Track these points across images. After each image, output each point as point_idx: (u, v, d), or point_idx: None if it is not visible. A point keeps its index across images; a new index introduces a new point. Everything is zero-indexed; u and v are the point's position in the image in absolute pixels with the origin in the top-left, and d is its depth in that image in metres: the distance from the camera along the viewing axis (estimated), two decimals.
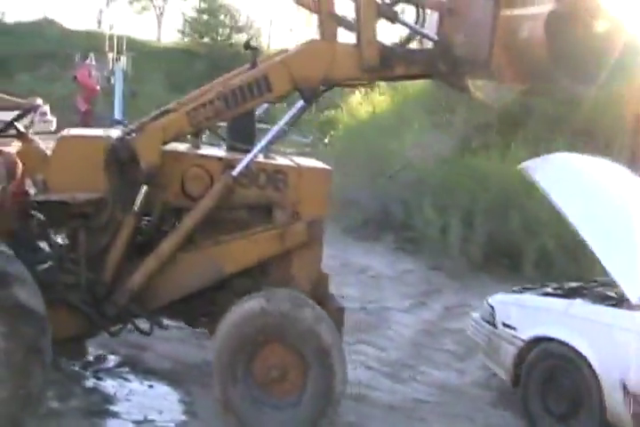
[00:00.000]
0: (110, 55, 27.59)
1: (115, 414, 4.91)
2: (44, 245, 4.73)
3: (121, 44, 28.20)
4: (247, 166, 4.60)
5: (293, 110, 4.77)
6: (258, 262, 4.70)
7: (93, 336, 4.98)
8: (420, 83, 14.45)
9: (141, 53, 29.70)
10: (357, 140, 12.87)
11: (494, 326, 5.63)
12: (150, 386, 5.44)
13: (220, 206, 4.58)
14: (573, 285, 5.65)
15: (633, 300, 4.65)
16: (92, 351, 5.73)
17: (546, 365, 5.14)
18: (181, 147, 4.83)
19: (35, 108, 5.31)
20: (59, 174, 4.58)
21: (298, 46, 4.78)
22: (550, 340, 5.10)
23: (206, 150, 4.91)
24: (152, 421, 4.78)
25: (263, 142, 4.68)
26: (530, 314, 5.44)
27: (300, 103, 4.76)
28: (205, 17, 35.95)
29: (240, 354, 4.34)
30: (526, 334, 5.27)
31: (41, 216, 4.63)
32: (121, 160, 4.51)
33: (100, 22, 33.08)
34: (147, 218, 4.72)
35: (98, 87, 25.60)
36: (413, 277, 9.25)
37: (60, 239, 4.77)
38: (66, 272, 4.54)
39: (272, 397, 4.39)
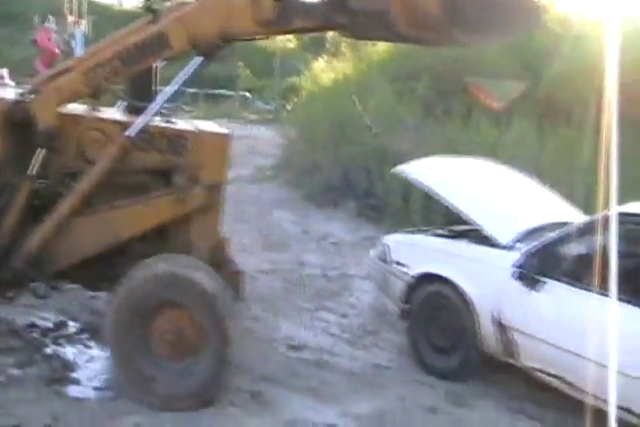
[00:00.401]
0: (70, 18, 27.06)
1: (75, 381, 4.88)
2: None
3: (81, 7, 27.65)
4: (144, 128, 4.57)
5: (189, 67, 4.71)
6: (156, 227, 4.71)
7: None
8: (383, 51, 14.46)
9: (102, 17, 29.13)
10: (320, 106, 12.82)
11: (388, 263, 6.04)
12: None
13: (119, 170, 4.57)
14: (461, 228, 6.03)
15: (503, 242, 5.31)
16: (52, 318, 5.70)
17: (430, 299, 5.60)
18: (79, 109, 4.78)
19: None
20: None
21: (195, 2, 4.75)
22: (435, 276, 5.56)
23: (105, 113, 4.87)
24: (112, 388, 4.77)
25: (159, 101, 4.65)
26: (418, 252, 5.89)
27: (196, 59, 4.70)
28: None
29: (136, 317, 4.36)
30: (414, 270, 5.73)
31: None
32: (17, 123, 4.45)
33: None
34: (45, 182, 4.63)
35: (58, 51, 25.13)
36: (374, 243, 9.29)
37: None
38: None
39: (168, 359, 4.42)
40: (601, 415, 4.27)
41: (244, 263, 7.95)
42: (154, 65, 4.92)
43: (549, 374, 4.90)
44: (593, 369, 4.44)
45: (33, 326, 5.59)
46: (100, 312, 5.89)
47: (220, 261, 4.88)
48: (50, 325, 5.64)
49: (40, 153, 4.45)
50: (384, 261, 6.12)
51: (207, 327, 4.36)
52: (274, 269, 7.68)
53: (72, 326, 5.74)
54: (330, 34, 28.66)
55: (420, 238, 6.08)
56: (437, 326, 5.58)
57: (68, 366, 5.09)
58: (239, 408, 4.68)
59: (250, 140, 17.47)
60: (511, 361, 5.18)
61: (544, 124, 9.14)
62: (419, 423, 4.81)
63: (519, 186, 6.36)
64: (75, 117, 4.64)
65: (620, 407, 4.29)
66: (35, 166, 4.45)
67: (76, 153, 4.59)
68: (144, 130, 4.59)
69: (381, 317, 6.79)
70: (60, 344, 5.41)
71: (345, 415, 4.77)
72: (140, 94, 5.05)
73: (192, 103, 26.60)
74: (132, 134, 4.54)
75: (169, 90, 4.69)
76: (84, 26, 26.74)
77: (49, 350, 5.28)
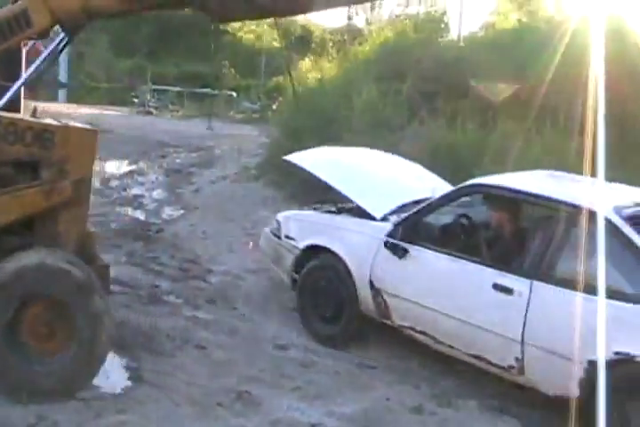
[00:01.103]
0: None
1: None
2: None
3: None
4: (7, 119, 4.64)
5: (52, 46, 4.71)
6: (22, 219, 4.73)
7: None
8: (369, 50, 14.48)
9: None
10: (305, 106, 12.81)
11: (279, 237, 6.53)
12: None
13: None
14: (347, 205, 6.51)
15: (378, 216, 5.91)
16: None
17: (315, 270, 6.12)
18: None
19: None
20: None
21: None
22: (319, 247, 6.09)
23: None
24: (98, 387, 4.75)
25: (20, 82, 4.75)
26: (305, 226, 6.43)
27: (59, 38, 4.72)
28: None
29: (7, 310, 4.37)
30: (302, 243, 6.25)
31: None
32: None
33: None
34: None
35: (39, 48, 24.94)
36: None
37: None
38: None
39: (36, 351, 4.45)
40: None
41: (230, 262, 8.03)
42: (22, 44, 4.99)
43: (417, 331, 5.46)
44: (448, 322, 5.15)
45: None
46: None
47: (87, 255, 4.94)
48: None
49: None
50: (275, 235, 6.60)
51: (79, 320, 4.41)
52: (260, 269, 7.66)
53: None
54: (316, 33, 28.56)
55: (308, 214, 6.68)
56: (322, 295, 6.06)
57: None
58: (226, 408, 4.69)
59: (235, 140, 17.49)
60: (386, 321, 5.68)
61: (530, 125, 9.15)
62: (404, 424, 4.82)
63: (400, 168, 7.00)
64: None
65: (473, 356, 5.09)
66: None
67: None
68: (9, 122, 4.64)
69: None
70: None
71: (330, 415, 4.77)
72: (8, 75, 5.08)
73: (177, 102, 26.58)
74: None
75: (30, 69, 4.75)
76: None
77: None
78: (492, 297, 4.95)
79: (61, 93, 27.14)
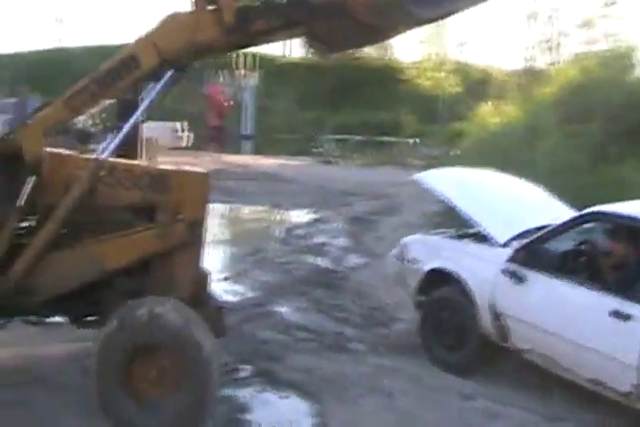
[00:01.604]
0: (239, 72, 28.21)
1: (246, 424, 4.93)
2: None
3: (249, 61, 28.80)
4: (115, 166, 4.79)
5: (160, 83, 4.75)
6: (138, 261, 4.79)
7: None
8: (551, 92, 14.13)
9: (270, 69, 30.21)
10: (489, 151, 12.63)
11: (404, 261, 6.76)
12: (282, 397, 5.44)
13: (102, 207, 4.78)
14: (471, 231, 6.57)
15: (500, 242, 6.01)
16: (226, 361, 5.80)
17: (439, 294, 6.27)
18: (66, 151, 5.01)
19: None
20: None
21: (160, 21, 4.81)
22: (442, 271, 6.26)
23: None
24: None
25: (131, 121, 4.79)
26: (429, 251, 6.61)
27: (168, 73, 4.76)
28: None
29: (120, 361, 4.43)
30: (426, 266, 6.45)
31: None
32: (5, 157, 4.68)
33: None
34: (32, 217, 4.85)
35: (227, 103, 26.18)
36: None
37: None
38: None
39: (150, 399, 4.47)
40: None
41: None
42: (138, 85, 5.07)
43: (535, 354, 5.53)
44: (566, 346, 5.22)
45: None
46: (273, 357, 5.97)
47: (201, 297, 5.02)
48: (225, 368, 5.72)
49: (29, 182, 4.64)
50: (401, 259, 6.81)
51: (185, 365, 4.42)
52: None
53: (245, 370, 5.81)
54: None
55: (431, 239, 6.89)
56: (444, 319, 6.19)
57: (240, 408, 5.15)
58: None
59: (415, 187, 17.45)
60: (505, 345, 5.79)
61: None
62: None
63: (524, 192, 7.02)
64: (63, 157, 4.87)
65: (591, 380, 5.11)
66: (23, 196, 4.64)
67: (61, 191, 4.71)
68: (126, 168, 4.85)
69: None
70: (232, 387, 5.46)
71: None
72: (127, 116, 5.16)
73: (357, 150, 27.02)
74: (103, 157, 4.70)
75: (142, 107, 4.84)
76: (255, 78, 27.77)
77: (221, 392, 5.36)
78: (610, 323, 4.97)
79: (245, 145, 28.30)
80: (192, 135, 24.28)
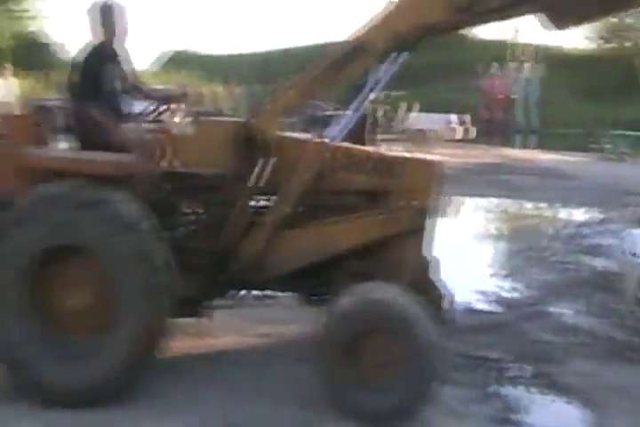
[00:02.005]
0: (518, 63, 27.69)
1: (516, 424, 4.88)
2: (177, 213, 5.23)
3: (527, 52, 28.11)
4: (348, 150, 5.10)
5: (390, 65, 4.91)
6: (366, 245, 5.00)
7: (208, 300, 5.38)
8: None
9: (553, 60, 29.26)
10: None
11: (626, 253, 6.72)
12: (562, 402, 5.32)
13: (333, 191, 5.05)
14: None
15: None
16: (494, 356, 5.81)
17: None
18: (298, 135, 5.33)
19: (178, 99, 5.98)
20: (193, 153, 5.09)
21: (393, 5, 4.95)
22: None
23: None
24: None
25: (358, 100, 4.99)
26: None
27: (393, 57, 4.89)
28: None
29: (344, 344, 4.53)
30: None
31: (171, 187, 5.13)
32: (243, 140, 4.99)
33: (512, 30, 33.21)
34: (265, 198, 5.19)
35: (503, 96, 25.78)
36: None
37: (189, 209, 5.26)
38: (190, 239, 5.09)
39: (371, 381, 4.56)
40: None
41: None
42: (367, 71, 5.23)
43: None
44: None
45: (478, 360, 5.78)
46: (554, 360, 5.84)
47: (423, 284, 5.10)
48: (492, 365, 5.74)
49: (263, 163, 4.95)
50: (624, 252, 6.85)
51: (410, 357, 4.49)
52: None
53: (522, 369, 5.74)
54: None
55: None
56: None
57: (508, 407, 5.09)
58: None
59: None
60: None
61: None
62: None
63: None
64: (299, 142, 5.18)
65: None
66: (256, 177, 4.97)
67: (293, 172, 4.97)
68: (352, 153, 5.06)
69: None
70: (502, 385, 5.44)
71: None
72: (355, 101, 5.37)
73: (634, 147, 25.42)
74: (331, 140, 4.99)
75: (368, 87, 5.04)
76: (536, 70, 27.08)
77: (490, 390, 5.35)
78: None
79: (524, 139, 27.63)
80: (473, 128, 24.19)
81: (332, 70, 4.98)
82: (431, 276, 5.38)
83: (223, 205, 5.10)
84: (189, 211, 5.27)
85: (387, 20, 4.91)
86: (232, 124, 5.16)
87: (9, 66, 20.97)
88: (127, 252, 4.58)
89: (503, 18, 5.20)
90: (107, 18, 5.50)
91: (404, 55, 5.05)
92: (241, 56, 43.35)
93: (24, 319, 4.74)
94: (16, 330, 4.73)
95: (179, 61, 39.15)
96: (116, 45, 5.64)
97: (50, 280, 4.79)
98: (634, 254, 6.55)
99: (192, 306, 5.35)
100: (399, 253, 5.04)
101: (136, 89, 5.81)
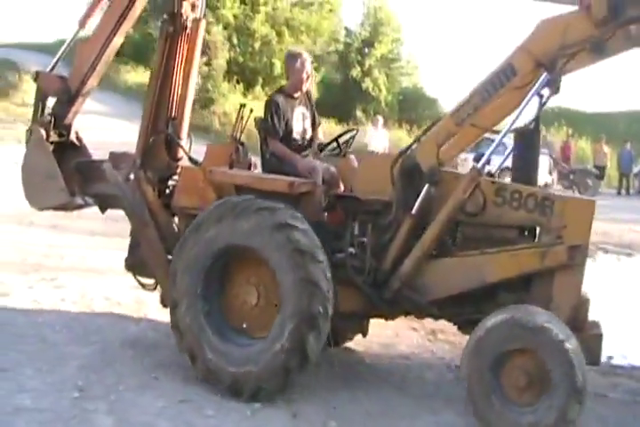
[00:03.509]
0: None
1: None
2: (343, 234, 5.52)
3: None
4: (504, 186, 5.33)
5: (534, 90, 4.95)
6: (518, 277, 5.18)
7: (372, 317, 5.89)
8: None
9: None
10: None
11: None
12: None
13: (490, 224, 5.28)
14: None
15: None
16: None
17: None
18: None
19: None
20: (362, 183, 5.61)
21: (534, 28, 5.05)
22: None
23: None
24: None
25: (504, 130, 5.08)
26: None
27: (540, 81, 4.94)
28: None
29: (489, 361, 4.76)
30: None
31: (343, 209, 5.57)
32: (406, 170, 5.31)
33: None
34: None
35: None
36: None
37: (355, 231, 5.51)
38: (355, 258, 5.39)
39: (518, 404, 4.75)
40: None
41: None
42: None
43: None
44: None
45: None
46: None
47: (579, 322, 5.13)
48: None
49: (426, 191, 5.22)
50: None
51: (555, 376, 4.61)
52: None
53: None
54: None
55: None
56: None
57: None
58: None
59: None
60: None
61: None
62: None
63: None
64: (456, 176, 5.35)
65: None
66: (419, 206, 5.21)
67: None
68: (515, 190, 5.26)
69: None
70: None
71: None
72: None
73: None
74: (479, 166, 5.11)
75: (513, 120, 5.08)
76: None
77: None
78: None
79: None
80: None
81: (483, 95, 5.15)
82: (587, 313, 5.36)
83: (386, 228, 5.40)
84: (358, 233, 5.53)
85: (525, 43, 5.06)
86: (397, 156, 5.45)
87: (380, 117, 22.32)
88: (296, 278, 5.05)
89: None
90: (288, 65, 6.17)
91: (553, 79, 5.01)
92: None
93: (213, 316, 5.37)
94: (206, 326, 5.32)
95: None
96: (293, 91, 6.10)
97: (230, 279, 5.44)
98: None
99: (359, 322, 6.00)
100: (555, 289, 5.13)
101: (309, 141, 6.21)
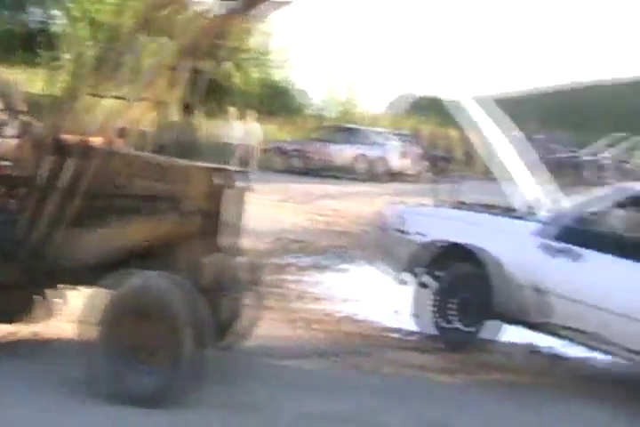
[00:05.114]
0: None
1: None
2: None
3: None
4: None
5: None
6: (150, 244, 5.24)
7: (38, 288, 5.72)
8: None
9: None
10: None
11: (403, 232, 6.76)
12: None
13: (113, 194, 5.33)
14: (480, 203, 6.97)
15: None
16: None
17: (452, 265, 6.43)
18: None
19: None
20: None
21: None
22: (457, 244, 6.29)
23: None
24: None
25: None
26: (439, 223, 6.67)
27: None
28: None
29: (118, 322, 4.85)
30: (432, 239, 6.48)
31: None
32: (42, 144, 5.33)
33: None
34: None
35: None
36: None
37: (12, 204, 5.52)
38: (11, 232, 5.35)
39: (134, 364, 4.83)
40: None
41: None
42: None
43: (580, 332, 5.70)
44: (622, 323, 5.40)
45: None
46: None
47: (215, 284, 5.31)
48: None
49: (63, 164, 5.24)
50: (400, 231, 6.79)
51: (164, 342, 4.80)
52: None
53: None
54: None
55: (443, 211, 6.92)
56: (457, 294, 6.39)
57: None
58: None
59: None
60: (534, 321, 5.94)
61: None
62: None
63: None
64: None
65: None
66: (56, 178, 5.24)
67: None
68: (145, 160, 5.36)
69: None
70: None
71: None
72: None
73: None
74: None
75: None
76: None
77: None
78: None
79: None
80: None
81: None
82: (232, 277, 5.58)
83: (31, 201, 5.41)
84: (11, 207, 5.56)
85: None
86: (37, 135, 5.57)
87: (251, 112, 22.53)
88: None
89: None
90: None
91: None
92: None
93: None
94: None
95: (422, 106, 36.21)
96: None
97: None
98: (402, 231, 6.76)
99: (22, 296, 5.82)
100: (180, 255, 5.27)
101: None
